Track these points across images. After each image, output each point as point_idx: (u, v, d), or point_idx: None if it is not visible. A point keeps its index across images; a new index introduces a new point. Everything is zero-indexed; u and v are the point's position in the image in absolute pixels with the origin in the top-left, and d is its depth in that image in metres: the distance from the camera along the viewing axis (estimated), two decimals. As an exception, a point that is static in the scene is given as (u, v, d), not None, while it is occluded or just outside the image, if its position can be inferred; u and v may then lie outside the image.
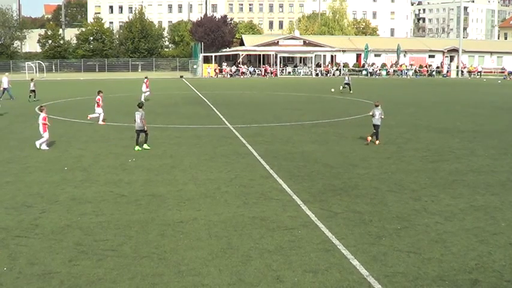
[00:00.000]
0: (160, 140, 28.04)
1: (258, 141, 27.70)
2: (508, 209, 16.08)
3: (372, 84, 75.22)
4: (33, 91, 52.78)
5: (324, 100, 52.77)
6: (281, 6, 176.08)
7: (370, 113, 28.12)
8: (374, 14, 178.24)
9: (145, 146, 25.75)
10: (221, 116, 37.22)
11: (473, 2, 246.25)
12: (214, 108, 42.72)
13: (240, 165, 21.89)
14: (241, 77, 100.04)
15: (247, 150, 25.35)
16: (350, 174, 20.47)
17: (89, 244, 12.93)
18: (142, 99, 45.74)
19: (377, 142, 27.45)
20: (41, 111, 26.54)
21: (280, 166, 21.70)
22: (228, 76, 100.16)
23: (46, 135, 25.99)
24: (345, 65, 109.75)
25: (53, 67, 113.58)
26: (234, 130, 31.14)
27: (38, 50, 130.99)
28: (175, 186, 18.53)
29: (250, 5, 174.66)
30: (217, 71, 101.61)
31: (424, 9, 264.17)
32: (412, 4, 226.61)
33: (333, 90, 63.15)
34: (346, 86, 62.82)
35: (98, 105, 34.27)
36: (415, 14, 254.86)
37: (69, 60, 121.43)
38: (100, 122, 34.08)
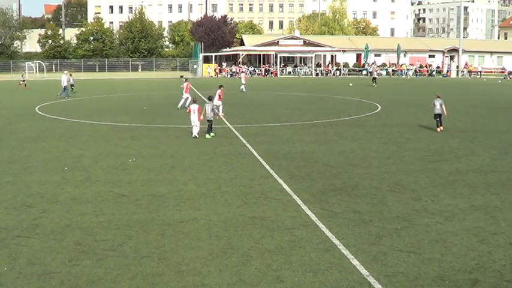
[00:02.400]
0: (160, 139, 28.07)
1: (258, 141, 27.72)
2: (508, 209, 16.09)
3: (371, 84, 75.05)
4: (73, 85, 58.96)
5: (324, 100, 52.75)
6: (281, 6, 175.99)
7: (431, 105, 32.26)
8: (374, 14, 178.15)
9: (207, 135, 28.93)
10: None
11: (473, 1, 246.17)
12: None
13: (240, 165, 21.91)
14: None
15: (248, 150, 25.36)
16: (350, 174, 20.48)
17: (89, 244, 12.94)
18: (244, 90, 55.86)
19: (441, 128, 31.72)
20: (195, 102, 29.29)
21: (281, 166, 21.71)
22: (228, 76, 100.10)
23: (199, 124, 28.79)
24: (345, 65, 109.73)
25: (53, 67, 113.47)
26: (234, 130, 31.15)
27: (38, 50, 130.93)
28: (175, 186, 18.54)
29: (250, 5, 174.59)
30: (217, 70, 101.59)
31: (424, 9, 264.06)
32: (412, 4, 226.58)
33: (351, 84, 73.71)
34: (374, 80, 75.95)
35: (219, 98, 36.35)
36: (415, 14, 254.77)
37: (69, 60, 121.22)
38: (220, 113, 35.00)
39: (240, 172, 20.70)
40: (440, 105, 31.65)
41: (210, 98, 30.54)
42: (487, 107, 47.23)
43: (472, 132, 31.51)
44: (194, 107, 28.90)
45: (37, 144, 27.10)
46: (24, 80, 70.81)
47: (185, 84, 44.23)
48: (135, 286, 10.73)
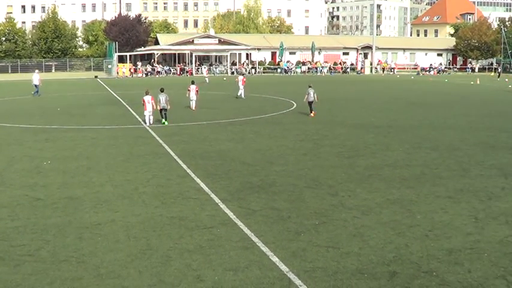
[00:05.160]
0: (75, 141, 27.70)
1: (174, 140, 27.64)
2: (423, 202, 16.47)
3: (287, 82, 75.77)
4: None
5: (240, 98, 52.81)
6: (196, 4, 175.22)
7: (306, 94, 37.71)
8: (289, 12, 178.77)
9: (165, 122, 33.41)
10: (137, 116, 36.93)
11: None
12: (129, 109, 42.36)
13: (157, 165, 21.80)
14: (157, 76, 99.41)
15: (164, 150, 25.26)
16: (267, 172, 20.61)
17: (5, 250, 12.68)
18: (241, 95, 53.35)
19: (313, 114, 37.12)
20: (147, 94, 33.22)
21: (197, 165, 21.70)
22: (144, 76, 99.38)
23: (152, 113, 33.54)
24: (261, 63, 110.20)
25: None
26: (150, 130, 30.98)
27: None
28: (91, 188, 18.32)
29: (164, 3, 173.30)
30: (132, 70, 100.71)
31: (338, 7, 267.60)
32: (326, 2, 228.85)
33: (225, 79, 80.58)
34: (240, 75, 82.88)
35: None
36: (329, 12, 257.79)
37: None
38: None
39: (157, 172, 20.61)
40: (314, 93, 37.48)
41: (162, 90, 34.10)
42: (401, 102, 48.25)
43: (386, 127, 32.07)
44: (148, 98, 32.99)
45: None
46: None
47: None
48: (54, 291, 10.60)
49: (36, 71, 64.32)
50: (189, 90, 42.66)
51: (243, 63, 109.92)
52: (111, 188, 18.37)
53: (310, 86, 38.07)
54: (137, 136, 29.14)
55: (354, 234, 13.56)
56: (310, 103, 37.58)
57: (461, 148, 25.65)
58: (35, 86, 58.58)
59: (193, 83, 43.50)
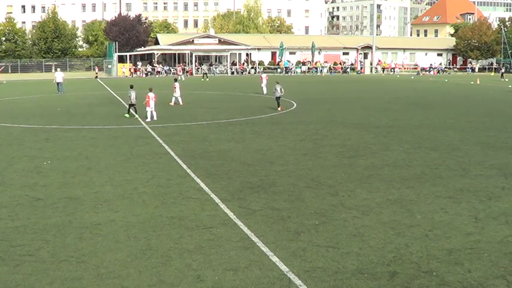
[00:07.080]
0: (75, 141, 27.67)
1: (174, 140, 27.63)
2: (423, 202, 16.45)
3: (286, 82, 75.56)
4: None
5: (240, 98, 52.92)
6: (196, 4, 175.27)
7: (273, 90, 41.51)
8: (289, 12, 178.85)
9: (137, 115, 36.19)
10: (137, 116, 36.91)
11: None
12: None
13: (157, 165, 21.79)
14: (157, 76, 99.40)
15: (164, 150, 25.24)
16: (267, 172, 20.59)
17: (5, 250, 12.66)
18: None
19: (280, 108, 40.55)
20: (151, 91, 35.24)
21: (198, 165, 21.69)
22: (144, 76, 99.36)
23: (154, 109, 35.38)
24: (261, 63, 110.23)
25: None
26: (150, 130, 30.96)
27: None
28: (91, 188, 18.31)
29: (164, 3, 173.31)
30: (132, 70, 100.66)
31: (338, 7, 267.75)
32: (326, 2, 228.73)
33: (183, 79, 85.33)
34: (204, 74, 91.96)
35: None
36: (329, 12, 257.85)
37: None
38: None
39: (157, 172, 20.59)
40: (281, 89, 41.03)
41: (132, 86, 36.94)
42: (401, 102, 48.21)
43: (387, 127, 32.06)
44: (151, 95, 34.95)
45: None
46: None
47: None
48: (54, 291, 10.59)
49: (58, 69, 66.28)
50: (175, 87, 45.96)
51: (243, 63, 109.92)
52: (111, 188, 18.36)
53: (277, 82, 42.20)
54: (137, 136, 29.12)
55: (354, 234, 13.56)
56: (278, 98, 41.23)
57: (461, 148, 25.65)
58: (59, 84, 59.96)
59: (176, 80, 48.45)
